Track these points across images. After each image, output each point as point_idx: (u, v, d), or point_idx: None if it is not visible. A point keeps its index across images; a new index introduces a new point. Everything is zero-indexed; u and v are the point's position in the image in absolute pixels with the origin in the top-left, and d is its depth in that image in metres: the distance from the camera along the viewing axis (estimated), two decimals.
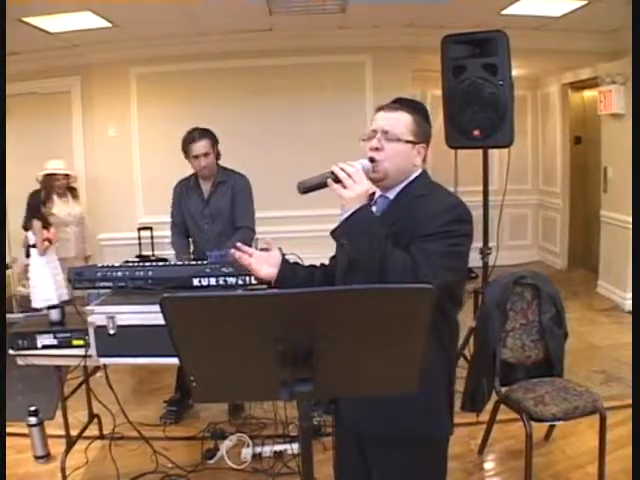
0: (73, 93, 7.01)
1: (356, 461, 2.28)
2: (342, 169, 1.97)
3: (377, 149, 2.10)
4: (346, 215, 1.95)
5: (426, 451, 2.14)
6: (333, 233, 2.03)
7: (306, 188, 2.02)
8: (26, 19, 5.26)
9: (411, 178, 2.16)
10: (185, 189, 4.50)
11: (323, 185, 2.00)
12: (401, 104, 2.18)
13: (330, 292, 1.53)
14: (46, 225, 5.70)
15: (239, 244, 2.29)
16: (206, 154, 4.27)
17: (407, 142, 2.11)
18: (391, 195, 2.17)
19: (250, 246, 2.33)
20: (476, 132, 4.25)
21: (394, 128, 2.10)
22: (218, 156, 4.42)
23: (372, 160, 2.09)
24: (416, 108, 2.20)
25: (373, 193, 2.16)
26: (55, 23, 5.54)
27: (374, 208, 2.10)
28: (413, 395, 1.68)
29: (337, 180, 1.96)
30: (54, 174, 5.98)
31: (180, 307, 1.41)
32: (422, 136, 2.17)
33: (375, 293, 1.44)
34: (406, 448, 2.10)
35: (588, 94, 7.97)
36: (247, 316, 1.40)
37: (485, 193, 4.56)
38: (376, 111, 2.20)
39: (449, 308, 2.10)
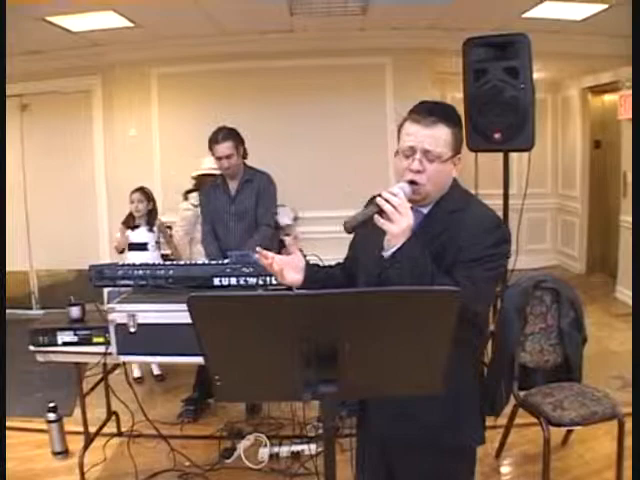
0: (94, 92, 7.03)
1: (378, 464, 2.25)
2: (387, 200, 1.86)
3: (419, 171, 1.97)
4: (392, 251, 1.87)
5: (452, 458, 2.10)
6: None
7: (353, 226, 1.93)
8: (49, 18, 5.28)
9: (445, 190, 2.07)
10: (212, 188, 4.55)
11: (370, 221, 1.90)
12: (437, 115, 2.00)
13: (357, 293, 1.53)
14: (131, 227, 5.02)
15: (260, 249, 2.19)
16: (229, 156, 4.29)
17: (447, 159, 2.00)
18: (424, 209, 2.07)
19: (271, 245, 2.27)
20: (497, 135, 4.23)
21: (436, 147, 1.97)
22: (244, 155, 4.44)
23: (413, 182, 1.97)
24: (451, 116, 2.05)
25: None
26: (77, 22, 5.56)
27: None
28: (442, 403, 1.68)
29: (381, 211, 1.87)
30: (211, 174, 4.99)
31: (207, 306, 1.42)
32: (459, 146, 2.06)
33: (402, 295, 1.44)
34: (431, 455, 2.08)
35: (608, 98, 7.90)
36: (275, 316, 1.41)
37: (505, 196, 4.54)
38: (409, 121, 2.02)
39: (482, 320, 2.07)
